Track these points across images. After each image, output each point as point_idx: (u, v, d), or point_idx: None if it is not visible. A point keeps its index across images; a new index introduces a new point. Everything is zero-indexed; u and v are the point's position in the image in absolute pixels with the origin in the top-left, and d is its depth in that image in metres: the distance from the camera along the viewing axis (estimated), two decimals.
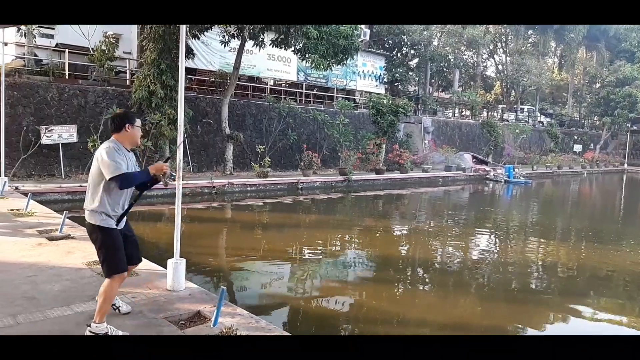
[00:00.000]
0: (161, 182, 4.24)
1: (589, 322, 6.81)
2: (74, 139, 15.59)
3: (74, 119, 16.24)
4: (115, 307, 4.39)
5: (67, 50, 17.63)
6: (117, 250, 3.94)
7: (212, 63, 21.48)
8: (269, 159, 18.75)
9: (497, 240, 12.43)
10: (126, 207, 4.05)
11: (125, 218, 4.10)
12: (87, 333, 3.88)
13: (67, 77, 17.51)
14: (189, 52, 17.94)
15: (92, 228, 3.93)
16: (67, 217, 8.27)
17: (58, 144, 15.29)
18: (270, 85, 25.57)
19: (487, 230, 13.74)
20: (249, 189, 17.07)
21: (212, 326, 4.20)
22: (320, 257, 9.55)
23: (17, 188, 12.19)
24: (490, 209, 18.62)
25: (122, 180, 3.78)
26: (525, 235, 13.08)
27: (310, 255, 9.72)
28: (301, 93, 25.87)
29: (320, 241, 11.02)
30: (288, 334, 4.22)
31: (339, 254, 9.94)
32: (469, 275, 8.78)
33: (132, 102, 16.84)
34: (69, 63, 17.74)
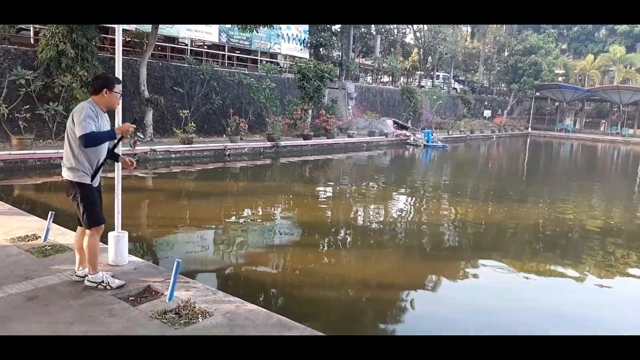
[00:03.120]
0: (128, 143, 4.35)
1: (496, 273, 7.38)
2: None
3: None
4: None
5: None
6: (95, 205, 4.18)
7: None
8: (193, 125, 18.04)
9: (417, 201, 13.00)
10: (99, 165, 4.21)
11: (99, 177, 4.29)
12: (87, 283, 4.25)
13: None
14: None
15: (70, 184, 4.13)
16: None
17: None
18: (191, 46, 24.37)
19: (408, 192, 14.30)
20: (173, 156, 16.36)
21: (167, 300, 4.00)
22: (252, 223, 9.46)
23: None
24: (411, 172, 19.35)
25: (87, 139, 3.92)
26: (443, 196, 13.75)
27: (243, 222, 9.58)
28: (223, 55, 24.94)
29: (249, 208, 10.89)
30: (246, 304, 4.12)
31: (270, 220, 9.88)
32: (389, 235, 9.16)
33: (38, 62, 15.35)
34: None
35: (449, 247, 8.77)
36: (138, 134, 4.58)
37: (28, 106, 14.02)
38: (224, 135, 20.02)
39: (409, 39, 48.46)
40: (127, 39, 20.32)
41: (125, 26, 19.94)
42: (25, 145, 13.40)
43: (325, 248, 8.15)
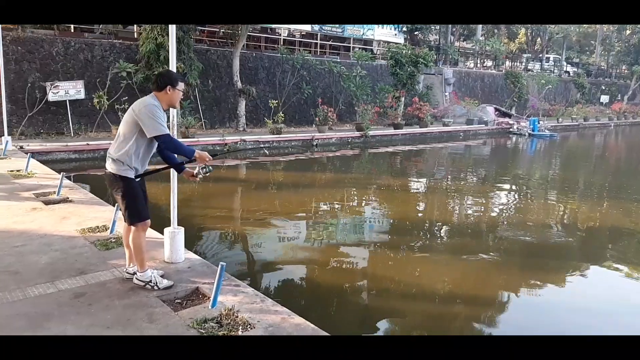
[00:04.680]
0: (195, 174, 4.14)
1: (605, 284, 6.46)
2: (82, 95, 15.04)
3: (81, 74, 15.63)
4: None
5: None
6: (138, 199, 3.99)
7: None
8: (282, 115, 18.03)
9: (519, 198, 11.77)
10: (145, 169, 4.05)
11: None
12: (135, 281, 4.07)
13: (72, 31, 16.81)
14: None
15: (113, 177, 3.92)
16: (68, 179, 7.83)
17: (65, 100, 14.76)
18: (284, 36, 24.49)
19: (510, 187, 13.04)
20: (262, 145, 16.45)
21: (210, 307, 3.70)
22: (335, 220, 9.00)
23: (21, 147, 11.78)
24: (513, 164, 17.80)
25: (167, 141, 3.83)
26: (550, 192, 12.33)
27: (325, 218, 9.17)
28: (316, 44, 24.76)
29: (335, 202, 10.47)
30: (293, 316, 3.70)
31: (355, 216, 9.38)
32: (486, 238, 8.28)
33: (139, 55, 16.12)
34: None
35: (554, 252, 7.61)
36: (209, 166, 4.28)
37: (127, 97, 14.74)
38: (314, 125, 19.85)
39: None
40: (222, 31, 20.76)
41: None
42: None
43: (411, 252, 7.41)
